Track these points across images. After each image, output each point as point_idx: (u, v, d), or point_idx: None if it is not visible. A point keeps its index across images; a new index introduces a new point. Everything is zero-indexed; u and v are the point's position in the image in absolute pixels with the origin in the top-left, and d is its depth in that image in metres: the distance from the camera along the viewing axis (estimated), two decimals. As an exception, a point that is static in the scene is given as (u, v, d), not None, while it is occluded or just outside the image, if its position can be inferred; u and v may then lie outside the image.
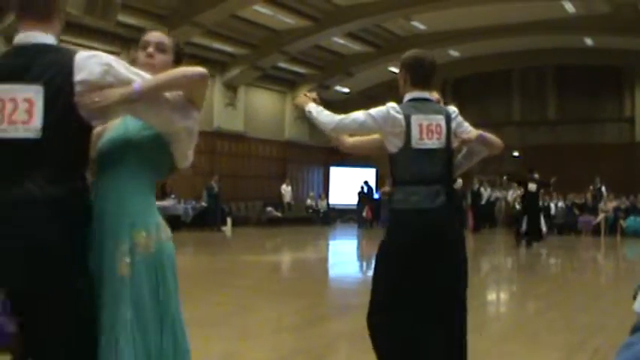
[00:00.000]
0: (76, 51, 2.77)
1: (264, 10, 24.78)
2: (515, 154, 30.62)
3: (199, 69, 2.93)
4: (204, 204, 25.97)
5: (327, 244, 22.45)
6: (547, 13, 25.41)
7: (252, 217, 29.64)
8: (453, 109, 4.64)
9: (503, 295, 10.37)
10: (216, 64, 28.85)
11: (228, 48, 28.05)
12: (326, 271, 14.77)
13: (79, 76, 2.67)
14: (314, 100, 4.63)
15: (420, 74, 4.48)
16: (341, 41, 29.27)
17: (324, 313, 8.21)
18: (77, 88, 2.66)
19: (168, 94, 2.92)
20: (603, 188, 26.82)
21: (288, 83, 33.03)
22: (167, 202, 24.39)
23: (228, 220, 26.40)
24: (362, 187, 30.09)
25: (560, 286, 11.49)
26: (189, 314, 7.81)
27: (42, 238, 2.57)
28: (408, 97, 4.48)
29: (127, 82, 2.75)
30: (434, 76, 4.61)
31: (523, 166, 28.19)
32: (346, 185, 32.26)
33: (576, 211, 27.00)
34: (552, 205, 27.49)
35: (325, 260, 17.09)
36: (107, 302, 2.78)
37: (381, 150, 4.62)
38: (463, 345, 4.53)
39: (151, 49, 3.19)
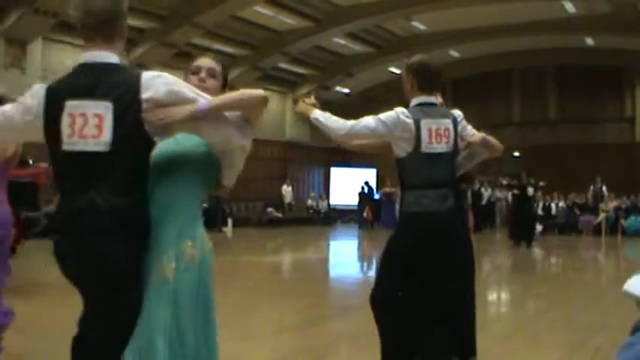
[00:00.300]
0: (141, 71, 3.00)
1: (264, 11, 24.79)
2: (516, 154, 30.61)
3: (260, 91, 3.10)
4: (205, 204, 25.93)
5: (328, 245, 22.46)
6: (547, 12, 25.40)
7: (252, 217, 29.64)
8: (458, 112, 4.71)
9: (504, 294, 10.37)
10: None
11: (228, 49, 28.04)
12: (327, 271, 14.77)
13: (146, 94, 2.86)
14: (314, 105, 4.62)
15: (427, 79, 4.53)
16: (341, 42, 29.29)
17: (324, 314, 8.21)
18: (144, 106, 2.85)
19: (227, 113, 3.11)
20: (604, 188, 26.82)
21: (288, 84, 33.04)
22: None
23: (229, 221, 26.39)
24: (362, 188, 30.08)
25: (561, 285, 11.49)
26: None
27: (104, 247, 2.76)
28: (415, 101, 4.54)
29: (190, 102, 2.94)
30: (440, 80, 4.68)
31: (523, 167, 28.21)
32: (347, 186, 32.25)
33: (577, 211, 26.99)
34: (553, 205, 27.49)
35: (326, 261, 17.09)
36: (149, 303, 2.94)
37: (385, 150, 4.67)
38: (470, 342, 4.71)
39: (203, 75, 3.39)
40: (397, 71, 32.77)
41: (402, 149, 4.42)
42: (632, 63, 29.83)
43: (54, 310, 7.43)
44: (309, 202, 32.87)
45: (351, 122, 4.40)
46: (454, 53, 31.58)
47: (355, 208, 30.89)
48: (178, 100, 2.92)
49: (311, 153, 34.14)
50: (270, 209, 29.96)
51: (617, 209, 25.92)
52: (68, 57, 22.79)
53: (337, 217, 33.65)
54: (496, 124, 32.73)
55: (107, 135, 2.78)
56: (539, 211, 27.38)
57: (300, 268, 14.86)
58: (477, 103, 33.12)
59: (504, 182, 20.70)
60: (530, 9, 24.95)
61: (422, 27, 28.26)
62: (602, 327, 7.10)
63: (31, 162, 14.00)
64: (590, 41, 28.71)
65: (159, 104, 2.88)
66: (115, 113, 2.79)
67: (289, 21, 26.14)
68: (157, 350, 2.88)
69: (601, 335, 6.67)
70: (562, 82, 32.25)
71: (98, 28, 2.97)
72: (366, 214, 29.70)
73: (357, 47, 30.18)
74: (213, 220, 25.32)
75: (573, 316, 7.90)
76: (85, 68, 2.92)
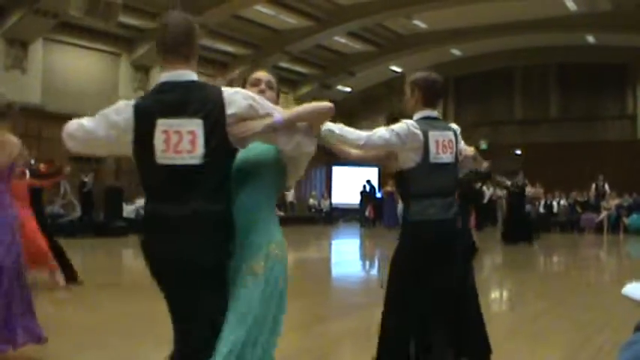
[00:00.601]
0: (220, 87, 3.26)
1: (265, 10, 24.81)
2: (518, 152, 30.62)
3: (327, 104, 3.38)
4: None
5: (330, 244, 22.46)
6: (549, 10, 25.39)
7: (254, 217, 29.60)
8: (456, 126, 4.89)
9: (505, 293, 10.36)
10: (218, 64, 28.86)
11: (230, 48, 28.07)
12: (329, 270, 14.76)
13: (229, 110, 3.13)
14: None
15: (432, 95, 4.74)
16: (342, 40, 29.29)
17: (327, 313, 8.21)
18: (228, 120, 3.12)
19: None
20: (606, 186, 26.81)
21: (290, 83, 33.02)
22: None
23: (231, 220, 26.38)
24: (364, 187, 30.07)
25: (563, 284, 11.49)
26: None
27: (204, 249, 3.08)
28: (419, 115, 4.69)
29: (266, 115, 3.21)
30: (442, 95, 4.91)
31: (525, 164, 28.21)
32: (348, 185, 32.24)
33: (579, 209, 26.99)
34: (555, 203, 27.48)
35: (328, 260, 17.09)
36: (238, 301, 3.23)
37: (385, 161, 4.80)
38: (483, 340, 5.21)
39: (263, 87, 3.69)
40: (398, 70, 32.81)
41: (410, 160, 4.56)
42: (634, 60, 29.82)
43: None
44: (311, 201, 32.87)
45: (367, 133, 4.51)
46: (455, 51, 31.58)
47: (357, 206, 30.89)
48: (256, 114, 3.20)
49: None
50: (271, 208, 29.93)
51: (619, 207, 25.91)
52: (69, 57, 22.83)
53: (339, 216, 33.65)
54: (498, 121, 32.81)
55: (200, 149, 3.06)
56: (541, 209, 27.42)
57: (302, 268, 14.85)
58: (479, 102, 33.17)
59: (507, 183, 20.57)
60: (531, 7, 24.93)
61: (423, 25, 28.24)
62: (605, 326, 7.09)
63: (32, 162, 14.01)
64: (591, 39, 28.70)
65: (240, 118, 3.15)
66: (205, 129, 3.07)
67: (290, 20, 26.14)
68: (257, 343, 3.19)
69: (603, 334, 6.66)
70: (564, 80, 32.24)
71: (178, 50, 3.22)
72: (368, 212, 29.69)
73: (358, 46, 30.19)
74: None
75: (575, 315, 7.90)
76: (170, 86, 3.18)
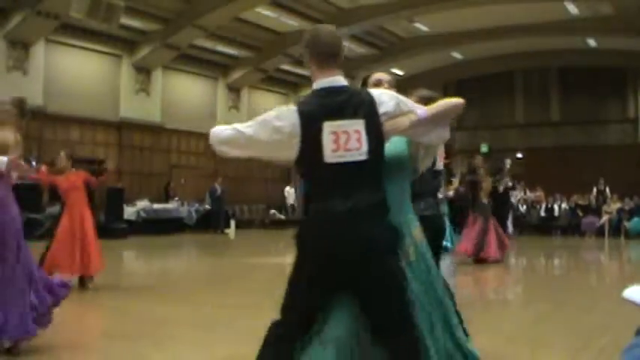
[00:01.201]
0: (367, 90, 3.69)
1: (267, 13, 24.82)
2: (519, 155, 30.62)
3: (460, 100, 3.73)
4: (207, 207, 25.97)
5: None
6: (550, 14, 25.39)
7: (255, 219, 29.65)
8: None
9: (507, 296, 10.35)
10: (220, 66, 28.91)
11: (231, 50, 28.09)
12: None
13: (381, 110, 3.48)
14: None
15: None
16: (344, 43, 29.23)
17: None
18: (382, 119, 3.47)
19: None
20: (607, 189, 26.80)
21: (291, 85, 33.06)
22: (170, 205, 24.41)
23: (232, 223, 26.40)
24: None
25: (564, 287, 11.48)
26: (193, 317, 7.85)
27: (376, 235, 3.37)
28: None
29: (409, 112, 3.56)
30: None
31: (526, 168, 28.23)
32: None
33: (580, 213, 26.96)
34: (556, 207, 27.47)
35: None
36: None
37: None
38: None
39: (385, 86, 4.17)
40: (400, 73, 32.78)
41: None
42: (635, 64, 29.80)
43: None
44: (312, 203, 32.82)
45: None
46: (457, 55, 31.59)
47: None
48: (401, 111, 3.55)
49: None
50: (272, 211, 29.98)
51: (620, 211, 25.89)
52: (70, 59, 22.84)
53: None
54: (499, 125, 32.83)
55: (365, 146, 3.39)
56: (542, 213, 27.42)
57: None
58: (480, 105, 33.13)
59: (510, 184, 20.35)
60: (532, 10, 24.94)
61: (424, 29, 28.25)
62: (606, 329, 7.08)
63: (34, 163, 14.07)
64: (592, 42, 28.70)
65: (389, 116, 3.50)
66: (366, 128, 3.40)
67: (292, 22, 26.15)
68: (436, 325, 3.67)
69: (605, 337, 6.65)
70: (565, 84, 32.25)
71: (336, 59, 3.58)
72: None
73: (359, 49, 30.19)
74: (216, 222, 25.33)
75: (576, 318, 7.89)
76: (330, 92, 3.49)
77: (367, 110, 3.43)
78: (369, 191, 3.40)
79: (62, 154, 9.92)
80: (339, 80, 3.53)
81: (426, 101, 4.86)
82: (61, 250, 9.30)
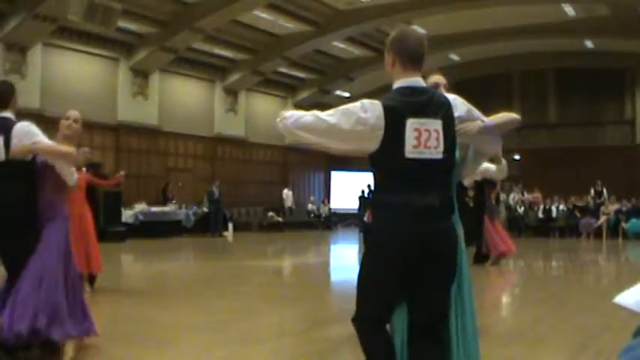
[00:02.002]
0: (441, 93, 3.95)
1: (264, 16, 24.83)
2: (516, 157, 30.62)
3: (518, 117, 4.27)
4: (205, 209, 25.96)
5: (329, 249, 22.45)
6: (547, 16, 25.43)
7: (253, 222, 29.64)
8: None
9: (505, 298, 10.36)
10: (217, 69, 28.90)
11: (228, 53, 28.09)
12: (328, 275, 14.77)
13: (456, 114, 3.75)
14: None
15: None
16: (341, 46, 29.31)
17: (326, 318, 8.20)
18: (455, 122, 3.72)
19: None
20: (604, 191, 26.83)
21: (288, 88, 33.06)
22: (168, 208, 24.41)
23: (230, 226, 26.39)
24: (363, 192, 30.04)
25: (562, 288, 11.49)
26: (191, 320, 7.84)
27: (448, 233, 3.63)
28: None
29: (477, 119, 3.96)
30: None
31: (524, 170, 28.23)
32: (347, 189, 32.23)
33: (578, 214, 26.99)
34: (554, 208, 27.50)
35: (327, 265, 17.09)
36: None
37: None
38: None
39: (442, 89, 4.44)
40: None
41: None
42: (632, 65, 29.87)
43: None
44: (310, 206, 32.88)
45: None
46: (454, 57, 31.62)
47: (356, 211, 30.90)
48: (472, 118, 3.92)
49: (311, 157, 34.15)
50: (270, 213, 29.97)
51: (617, 212, 25.92)
52: (68, 62, 22.84)
53: (338, 220, 33.66)
54: (496, 127, 32.76)
55: (441, 145, 3.56)
56: (540, 214, 27.45)
57: (301, 273, 14.86)
58: (477, 107, 32.60)
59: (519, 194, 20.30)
60: (529, 12, 24.98)
61: (422, 31, 28.21)
62: (604, 330, 7.08)
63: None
64: (589, 44, 28.75)
65: (461, 120, 3.81)
66: (443, 129, 3.58)
67: (289, 25, 26.17)
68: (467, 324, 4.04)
69: (603, 338, 6.66)
70: (562, 85, 32.30)
71: (419, 61, 3.73)
72: (367, 218, 29.59)
73: (357, 51, 30.22)
74: (214, 225, 25.32)
75: (575, 320, 7.89)
76: (413, 91, 3.65)
77: (445, 112, 3.62)
78: (442, 189, 3.60)
79: (86, 149, 9.92)
80: (420, 81, 3.71)
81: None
82: None
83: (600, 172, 27.65)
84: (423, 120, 3.52)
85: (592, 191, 27.26)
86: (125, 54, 24.94)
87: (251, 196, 30.38)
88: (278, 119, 3.85)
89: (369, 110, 3.52)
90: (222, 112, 29.47)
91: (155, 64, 25.65)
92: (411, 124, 3.50)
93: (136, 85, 25.31)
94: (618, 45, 27.74)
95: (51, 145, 5.45)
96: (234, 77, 29.21)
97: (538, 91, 33.02)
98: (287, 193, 31.48)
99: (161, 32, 24.08)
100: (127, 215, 22.21)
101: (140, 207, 23.05)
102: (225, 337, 6.75)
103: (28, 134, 5.28)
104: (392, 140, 3.49)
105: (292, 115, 3.76)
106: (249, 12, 23.97)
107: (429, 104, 3.58)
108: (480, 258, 14.45)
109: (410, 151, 3.49)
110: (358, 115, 3.52)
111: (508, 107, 33.50)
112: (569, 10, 24.72)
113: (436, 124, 3.54)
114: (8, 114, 5.50)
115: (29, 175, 5.33)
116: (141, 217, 22.58)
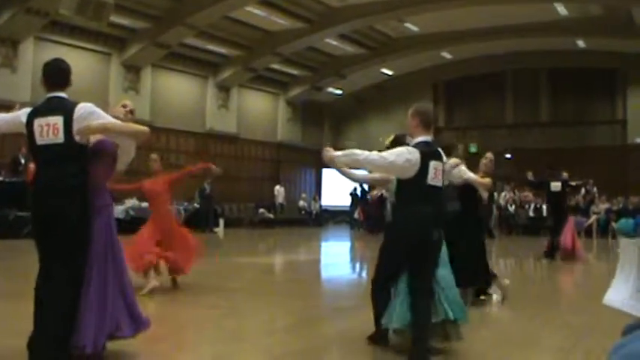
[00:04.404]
0: (437, 147, 5.84)
1: (257, 12, 24.81)
2: (508, 156, 30.68)
3: None
4: (196, 205, 25.91)
5: (320, 246, 22.45)
6: (540, 15, 25.48)
7: (244, 218, 29.63)
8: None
9: (495, 297, 10.37)
10: (209, 65, 28.86)
11: (221, 49, 28.05)
12: (319, 272, 14.76)
13: (444, 159, 5.91)
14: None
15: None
16: (334, 43, 29.30)
17: (317, 315, 8.20)
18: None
19: None
20: (595, 190, 26.89)
21: (280, 85, 33.04)
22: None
23: (221, 222, 26.36)
24: (354, 189, 30.06)
25: (552, 288, 11.52)
26: (181, 315, 7.82)
27: (442, 230, 5.75)
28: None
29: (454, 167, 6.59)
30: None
31: (515, 169, 28.27)
32: (338, 187, 32.23)
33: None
34: (544, 207, 27.53)
35: (318, 262, 17.09)
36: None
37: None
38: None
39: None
40: (389, 72, 32.84)
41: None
42: (624, 65, 29.96)
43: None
44: (301, 203, 32.88)
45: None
46: (446, 55, 31.65)
47: (347, 208, 30.92)
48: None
49: (303, 154, 34.18)
50: (261, 210, 29.96)
51: (608, 211, 25.99)
52: (60, 56, 22.74)
53: (329, 217, 33.68)
54: (488, 125, 32.91)
55: (441, 179, 5.75)
56: (530, 213, 27.50)
57: (292, 269, 14.85)
58: (469, 105, 33.26)
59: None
60: (522, 11, 25.03)
61: (414, 28, 28.27)
62: (594, 329, 7.11)
63: (22, 161, 13.93)
64: (582, 43, 28.82)
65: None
66: (442, 168, 5.82)
67: (281, 22, 26.15)
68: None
69: (592, 338, 6.67)
70: (554, 85, 32.38)
71: (431, 126, 5.83)
72: (358, 215, 29.66)
73: (349, 48, 30.21)
74: (205, 221, 25.27)
75: (565, 319, 7.91)
76: (428, 144, 5.68)
77: (442, 158, 5.70)
78: (441, 203, 5.70)
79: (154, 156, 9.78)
80: (430, 137, 5.70)
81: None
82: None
83: (591, 172, 27.70)
84: (437, 162, 5.60)
85: (582, 190, 27.31)
86: (117, 49, 24.88)
87: (242, 193, 30.36)
88: (345, 152, 5.72)
89: (412, 154, 5.50)
90: (215, 108, 29.43)
91: (147, 60, 25.59)
92: (432, 164, 5.54)
93: (127, 80, 25.26)
94: (610, 45, 27.82)
95: (125, 124, 5.38)
96: (226, 73, 29.17)
97: (530, 90, 33.08)
98: (279, 190, 31.47)
99: (154, 27, 24.02)
100: (118, 211, 22.13)
101: (131, 202, 22.98)
102: (215, 334, 6.74)
103: (93, 114, 5.13)
104: (422, 173, 5.49)
105: (362, 153, 5.58)
106: (242, 8, 23.94)
107: (438, 153, 5.68)
108: (551, 253, 16.14)
109: (430, 179, 5.52)
110: (406, 156, 5.49)
111: (500, 105, 33.84)
112: (561, 9, 24.76)
113: (441, 165, 5.65)
114: (64, 94, 5.30)
115: (85, 158, 5.09)
116: (132, 213, 22.52)
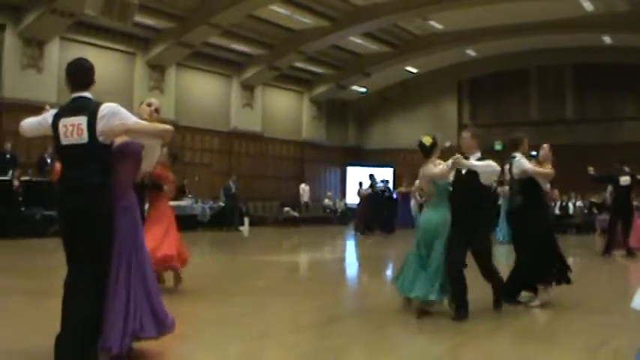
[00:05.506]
0: None
1: (280, 10, 24.83)
2: (533, 153, 30.38)
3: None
4: (221, 204, 25.99)
5: (345, 244, 22.41)
6: (565, 11, 25.29)
7: (269, 217, 29.68)
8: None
9: (519, 296, 10.28)
10: (233, 64, 28.93)
11: (245, 48, 28.11)
12: (343, 271, 14.74)
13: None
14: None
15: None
16: (358, 41, 29.26)
17: (341, 314, 8.19)
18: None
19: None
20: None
21: (305, 83, 33.06)
22: (184, 202, 24.44)
23: (246, 220, 26.42)
24: (360, 184, 29.32)
25: (579, 286, 11.40)
26: (206, 314, 7.83)
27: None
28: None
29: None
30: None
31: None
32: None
33: (595, 211, 26.80)
34: (570, 205, 27.35)
35: (343, 260, 17.06)
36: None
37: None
38: None
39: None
40: (414, 70, 32.73)
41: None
42: (651, 61, 29.63)
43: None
44: (326, 201, 32.87)
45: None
46: (471, 52, 31.51)
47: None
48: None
49: (327, 152, 34.18)
50: (286, 208, 29.97)
51: (635, 208, 25.70)
52: (85, 56, 22.88)
53: (353, 216, 33.62)
54: (513, 123, 32.65)
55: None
56: (557, 211, 27.30)
57: (317, 268, 14.85)
58: (494, 102, 33.06)
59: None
60: (547, 7, 24.85)
61: (439, 26, 28.17)
62: (621, 329, 7.03)
63: (49, 161, 14.00)
64: (607, 39, 28.55)
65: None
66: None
67: (305, 20, 26.15)
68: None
69: (620, 338, 6.58)
70: (580, 81, 32.13)
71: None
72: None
73: (373, 46, 30.15)
74: (230, 219, 25.35)
75: (592, 318, 7.84)
76: (480, 158, 7.65)
77: None
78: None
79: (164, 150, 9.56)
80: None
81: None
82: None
83: (618, 169, 27.41)
84: None
85: (609, 188, 27.03)
86: (142, 49, 25.02)
87: (267, 191, 30.42)
88: (455, 160, 7.16)
89: (495, 164, 7.27)
90: (239, 106, 29.50)
91: (172, 59, 25.71)
92: None
93: (152, 80, 25.39)
94: (637, 40, 27.51)
95: (148, 123, 5.40)
96: (250, 72, 29.23)
97: (555, 86, 32.86)
98: (304, 188, 31.48)
99: (178, 27, 24.13)
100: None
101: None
102: (241, 332, 6.75)
103: (117, 114, 5.13)
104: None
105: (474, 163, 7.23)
106: (266, 7, 23.98)
107: None
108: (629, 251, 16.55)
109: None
110: (497, 165, 7.32)
111: (525, 102, 33.61)
112: (587, 5, 24.56)
113: None
114: (89, 94, 5.31)
115: (109, 157, 5.08)
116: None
